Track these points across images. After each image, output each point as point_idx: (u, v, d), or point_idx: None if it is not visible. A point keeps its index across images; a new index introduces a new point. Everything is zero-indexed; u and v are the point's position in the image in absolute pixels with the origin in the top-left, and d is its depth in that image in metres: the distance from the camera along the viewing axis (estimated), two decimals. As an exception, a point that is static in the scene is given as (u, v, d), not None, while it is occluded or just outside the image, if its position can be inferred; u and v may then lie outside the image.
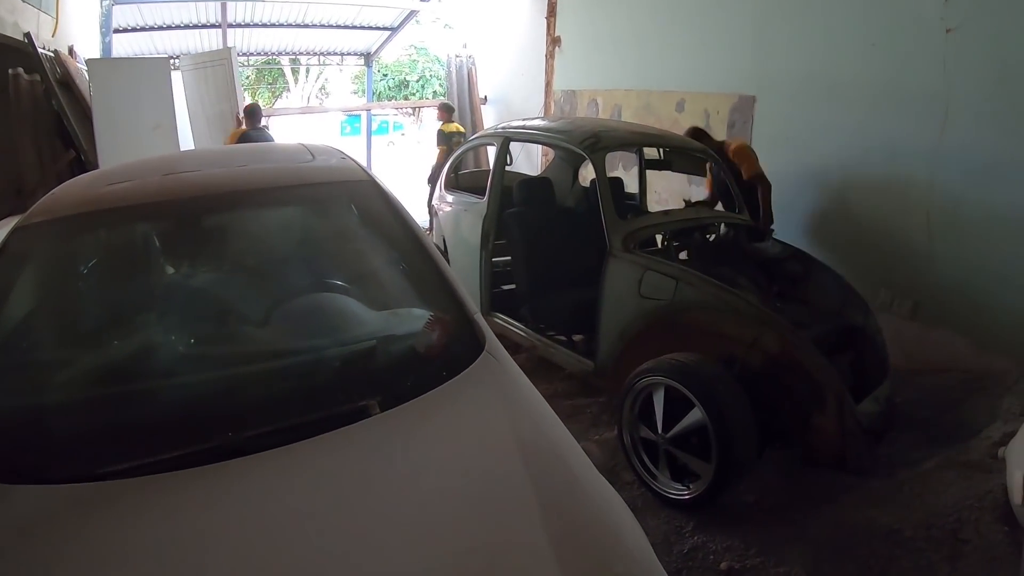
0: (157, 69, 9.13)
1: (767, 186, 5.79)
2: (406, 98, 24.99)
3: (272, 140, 8.43)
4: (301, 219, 3.25)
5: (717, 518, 3.60)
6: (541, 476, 1.89)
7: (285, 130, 17.37)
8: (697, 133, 6.05)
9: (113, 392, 2.20)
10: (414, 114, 19.93)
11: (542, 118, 5.98)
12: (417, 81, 26.20)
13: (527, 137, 5.82)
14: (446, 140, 10.29)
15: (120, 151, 7.40)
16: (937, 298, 5.39)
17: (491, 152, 5.76)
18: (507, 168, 5.70)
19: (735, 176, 5.63)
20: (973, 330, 5.11)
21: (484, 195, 5.54)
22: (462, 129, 10.78)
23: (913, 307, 5.53)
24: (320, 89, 27.16)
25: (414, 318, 2.64)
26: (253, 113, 8.50)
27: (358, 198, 3.10)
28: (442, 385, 2.19)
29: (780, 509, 3.71)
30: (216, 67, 10.51)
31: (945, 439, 4.22)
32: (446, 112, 10.84)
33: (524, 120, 6.30)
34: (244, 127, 8.82)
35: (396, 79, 27.06)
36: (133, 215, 2.76)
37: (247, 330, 2.56)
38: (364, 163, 12.61)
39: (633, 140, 5.66)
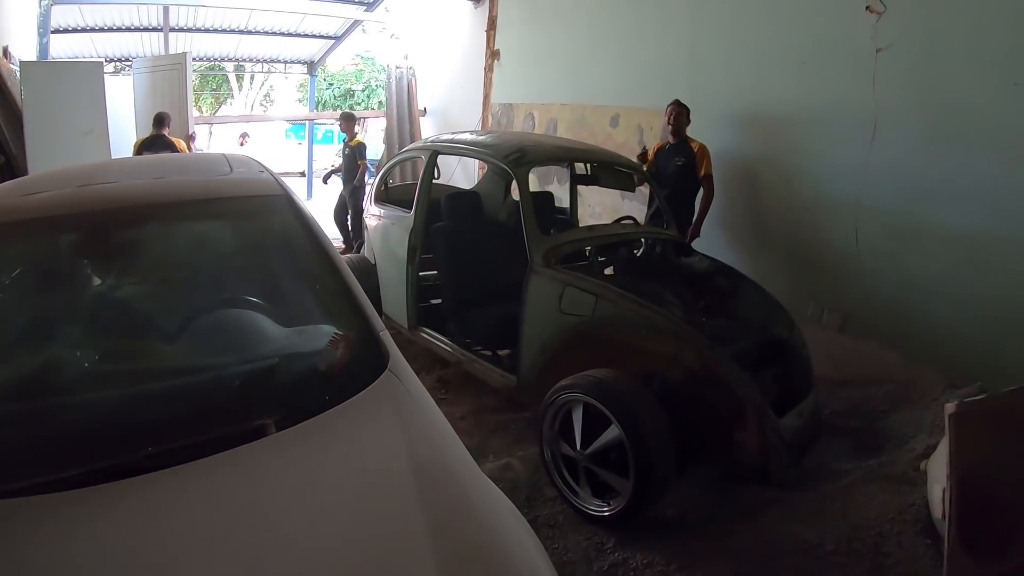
0: (91, 73, 8.92)
1: (711, 192, 5.93)
2: (351, 107, 24.91)
3: (171, 146, 8.16)
4: (214, 233, 3.17)
5: (639, 534, 3.54)
6: (433, 498, 1.86)
7: (228, 139, 17.24)
8: (680, 109, 6.13)
9: (10, 409, 2.13)
10: (359, 124, 19.86)
11: (471, 132, 5.94)
12: (363, 91, 26.15)
13: (455, 151, 5.73)
14: (363, 153, 9.56)
15: (51, 157, 7.29)
16: (865, 311, 5.45)
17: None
18: (446, 182, 5.62)
19: (692, 170, 5.85)
20: (900, 342, 5.16)
21: (412, 208, 5.45)
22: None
23: (842, 320, 5.57)
24: (265, 96, 27.00)
25: (320, 335, 2.62)
26: (157, 120, 8.23)
27: (271, 213, 3.02)
28: (341, 404, 2.15)
29: (703, 524, 3.66)
30: (169, 72, 10.29)
31: (871, 451, 4.24)
32: (354, 123, 9.93)
33: (453, 133, 6.26)
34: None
35: (342, 88, 27.00)
36: (45, 227, 2.68)
37: (155, 346, 2.52)
38: (306, 171, 12.54)
39: (559, 155, 5.63)
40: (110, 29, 13.37)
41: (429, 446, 2.10)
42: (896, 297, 5.23)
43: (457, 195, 5.76)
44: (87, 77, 8.84)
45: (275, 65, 19.36)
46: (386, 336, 2.53)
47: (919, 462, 3.81)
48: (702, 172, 5.99)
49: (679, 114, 6.14)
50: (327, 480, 1.91)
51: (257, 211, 3.05)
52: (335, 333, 2.60)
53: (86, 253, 2.83)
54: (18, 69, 8.98)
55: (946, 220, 4.91)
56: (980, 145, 4.72)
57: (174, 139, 8.45)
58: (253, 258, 3.11)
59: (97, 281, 2.85)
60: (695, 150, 6.04)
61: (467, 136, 5.72)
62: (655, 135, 7.06)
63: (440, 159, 5.50)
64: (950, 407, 2.73)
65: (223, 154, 3.65)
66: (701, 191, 6.11)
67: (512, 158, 4.75)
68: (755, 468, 3.59)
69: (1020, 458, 2.91)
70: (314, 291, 2.90)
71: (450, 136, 5.98)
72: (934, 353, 4.93)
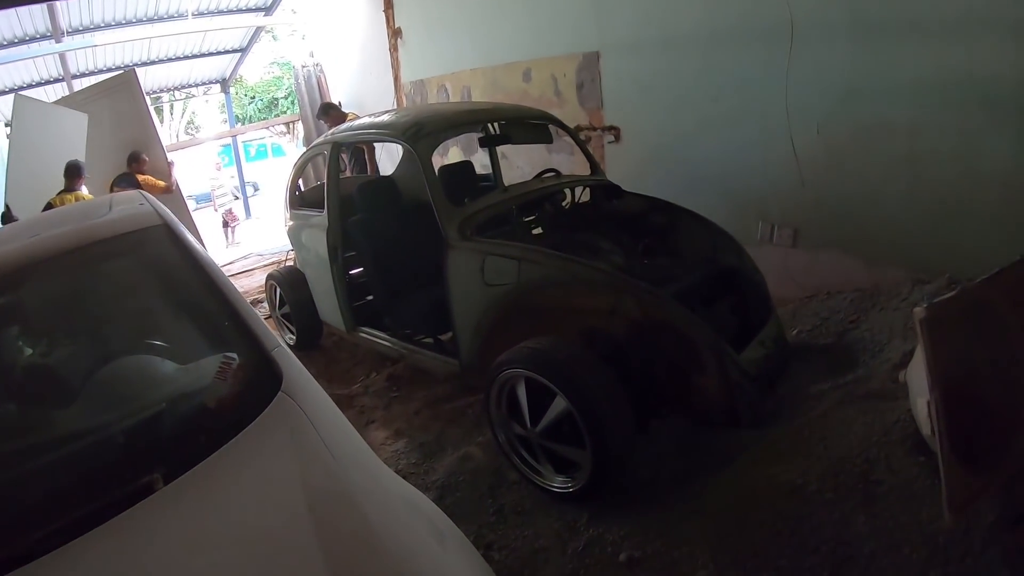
0: (74, 123, 8.33)
1: None
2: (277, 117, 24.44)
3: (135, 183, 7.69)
4: (95, 279, 3.01)
5: (613, 504, 3.32)
6: (331, 534, 1.75)
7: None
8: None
9: None
10: (288, 132, 19.31)
11: (370, 115, 5.57)
12: (286, 98, 25.74)
13: (354, 139, 5.50)
14: None
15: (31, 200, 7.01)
16: (816, 221, 5.22)
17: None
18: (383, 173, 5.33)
19: None
20: (858, 246, 4.96)
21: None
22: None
23: (794, 234, 5.33)
24: (188, 124, 26.45)
25: (208, 368, 2.48)
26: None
27: (149, 246, 2.93)
28: (230, 441, 2.00)
29: (678, 481, 3.43)
30: (116, 94, 9.21)
31: (845, 367, 3.98)
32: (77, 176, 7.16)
33: (351, 122, 5.95)
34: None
35: (264, 100, 26.56)
36: None
37: (50, 414, 2.43)
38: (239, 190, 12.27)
39: (460, 120, 5.20)
40: (11, 90, 12.90)
41: (327, 472, 1.96)
42: (845, 200, 5.00)
43: (367, 184, 5.44)
44: (73, 125, 8.26)
45: (190, 90, 19.00)
46: (281, 353, 2.37)
47: (897, 372, 3.54)
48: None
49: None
50: (216, 533, 1.77)
51: (134, 247, 2.94)
52: (221, 363, 2.45)
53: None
54: None
55: (881, 114, 4.66)
56: (906, 29, 4.45)
57: (141, 176, 8.02)
58: (138, 297, 3.06)
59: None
60: None
61: (365, 121, 5.39)
62: (570, 82, 6.76)
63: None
64: (919, 311, 2.42)
65: (108, 197, 3.73)
66: None
67: (410, 133, 4.44)
68: (722, 411, 3.31)
69: (1003, 354, 2.61)
70: (200, 320, 2.78)
71: (347, 125, 5.68)
72: (894, 250, 4.73)
